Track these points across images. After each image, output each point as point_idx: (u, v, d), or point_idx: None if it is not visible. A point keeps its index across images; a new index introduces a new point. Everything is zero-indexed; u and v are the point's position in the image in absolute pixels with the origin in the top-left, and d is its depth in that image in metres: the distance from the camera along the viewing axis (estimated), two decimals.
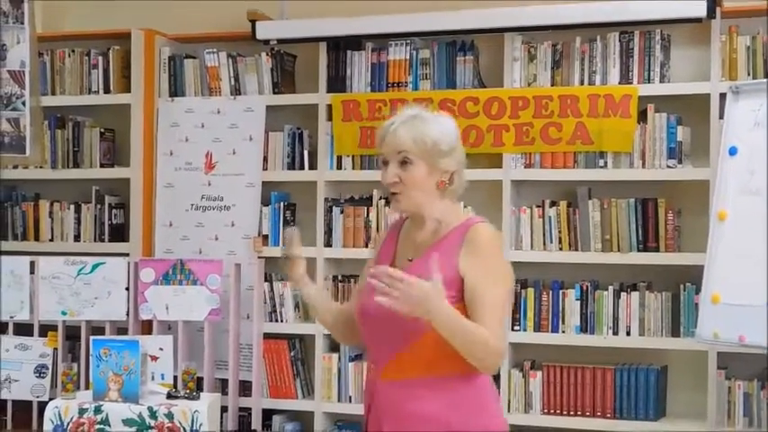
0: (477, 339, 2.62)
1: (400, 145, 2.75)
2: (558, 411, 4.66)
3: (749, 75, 4.44)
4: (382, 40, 4.97)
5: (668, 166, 4.54)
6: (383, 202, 4.92)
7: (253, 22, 5.07)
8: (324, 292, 2.89)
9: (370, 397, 2.85)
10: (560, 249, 4.67)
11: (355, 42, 5.03)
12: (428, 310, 2.56)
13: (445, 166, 2.77)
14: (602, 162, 4.63)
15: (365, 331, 2.85)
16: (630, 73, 4.62)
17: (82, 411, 4.26)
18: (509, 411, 4.63)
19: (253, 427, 4.95)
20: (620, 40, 4.63)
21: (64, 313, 4.98)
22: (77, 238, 5.36)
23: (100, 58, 5.32)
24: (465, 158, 2.85)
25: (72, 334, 5.08)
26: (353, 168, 5.00)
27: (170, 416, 4.24)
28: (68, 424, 4.26)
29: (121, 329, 5.01)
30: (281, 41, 5.11)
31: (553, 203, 4.69)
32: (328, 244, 5.01)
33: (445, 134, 2.78)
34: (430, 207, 2.78)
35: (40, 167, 5.30)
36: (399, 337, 2.71)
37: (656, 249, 4.55)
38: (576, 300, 4.62)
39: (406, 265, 2.78)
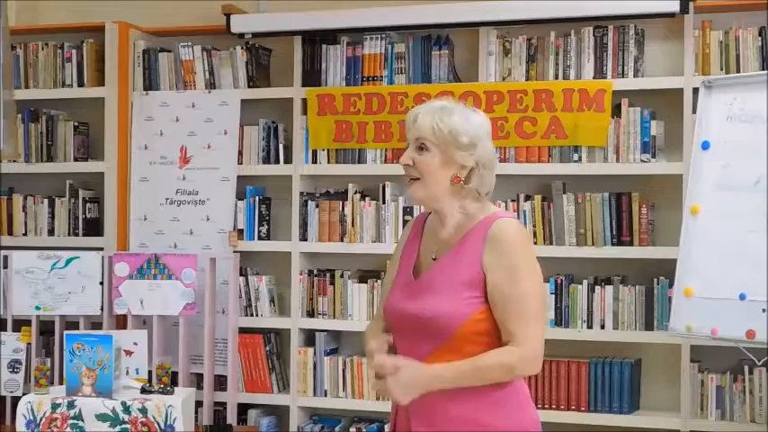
0: (494, 371, 2.61)
1: (419, 131, 2.70)
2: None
3: (722, 69, 4.47)
4: (357, 34, 4.96)
5: (642, 161, 4.56)
6: (358, 196, 4.92)
7: (227, 15, 5.05)
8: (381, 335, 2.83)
9: None
10: (535, 243, 4.67)
11: (330, 36, 5.02)
12: (425, 387, 2.59)
13: (461, 159, 2.69)
14: (576, 156, 4.64)
15: (397, 332, 2.76)
16: (605, 67, 4.63)
17: (55, 406, 4.25)
18: None
19: (228, 422, 4.95)
20: (594, 35, 4.65)
21: (38, 308, 4.96)
22: (51, 232, 5.33)
23: (74, 52, 5.29)
24: (493, 159, 2.76)
25: (46, 329, 5.06)
26: (329, 162, 4.99)
27: (144, 411, 4.24)
28: (41, 419, 4.25)
29: (96, 324, 4.99)
30: (255, 35, 5.10)
31: (528, 198, 4.70)
32: (304, 238, 5.00)
33: (469, 128, 2.70)
34: (447, 204, 2.72)
35: (14, 161, 5.27)
36: (432, 338, 2.65)
37: (630, 243, 4.57)
38: (551, 293, 4.63)
39: (431, 264, 2.75)
